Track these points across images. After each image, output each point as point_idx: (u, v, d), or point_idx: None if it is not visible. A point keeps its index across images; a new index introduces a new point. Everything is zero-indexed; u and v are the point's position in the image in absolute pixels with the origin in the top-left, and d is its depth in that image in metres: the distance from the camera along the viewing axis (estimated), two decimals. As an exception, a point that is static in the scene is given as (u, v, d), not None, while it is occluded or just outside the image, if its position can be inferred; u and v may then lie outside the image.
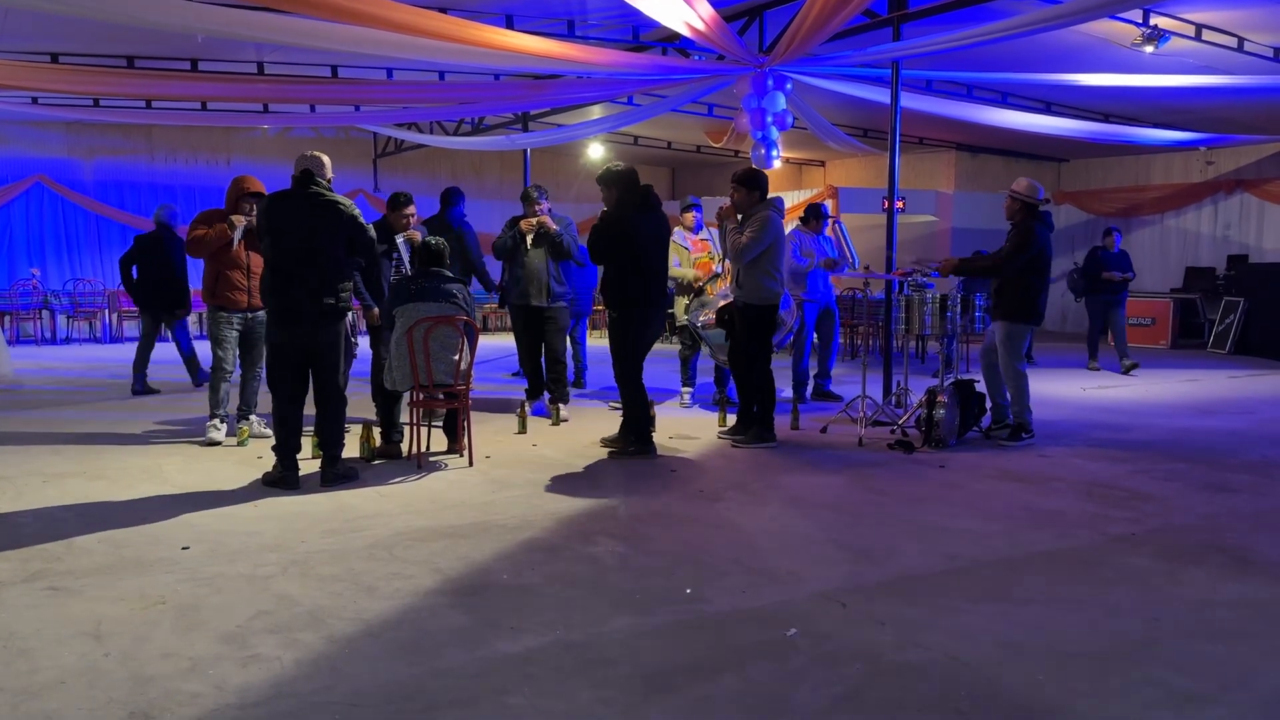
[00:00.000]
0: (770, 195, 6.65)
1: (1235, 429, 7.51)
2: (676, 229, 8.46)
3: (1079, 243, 17.87)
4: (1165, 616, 3.49)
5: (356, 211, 5.42)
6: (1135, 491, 5.40)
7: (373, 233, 5.55)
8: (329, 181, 5.46)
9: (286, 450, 5.35)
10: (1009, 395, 6.81)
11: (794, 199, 15.87)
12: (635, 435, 6.28)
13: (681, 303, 8.10)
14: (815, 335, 8.77)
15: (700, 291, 7.86)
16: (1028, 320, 6.69)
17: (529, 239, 7.53)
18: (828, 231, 8.85)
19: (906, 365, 7.67)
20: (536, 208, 7.56)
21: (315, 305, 5.26)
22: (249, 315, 6.50)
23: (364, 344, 7.27)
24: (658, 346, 6.75)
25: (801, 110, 10.80)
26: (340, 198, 5.40)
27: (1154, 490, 5.43)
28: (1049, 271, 6.75)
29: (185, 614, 3.42)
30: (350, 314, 5.68)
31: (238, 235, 6.38)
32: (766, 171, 8.95)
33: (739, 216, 6.54)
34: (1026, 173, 17.05)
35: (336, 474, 5.40)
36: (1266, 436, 7.19)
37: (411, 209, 7.07)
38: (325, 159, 5.48)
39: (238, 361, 6.62)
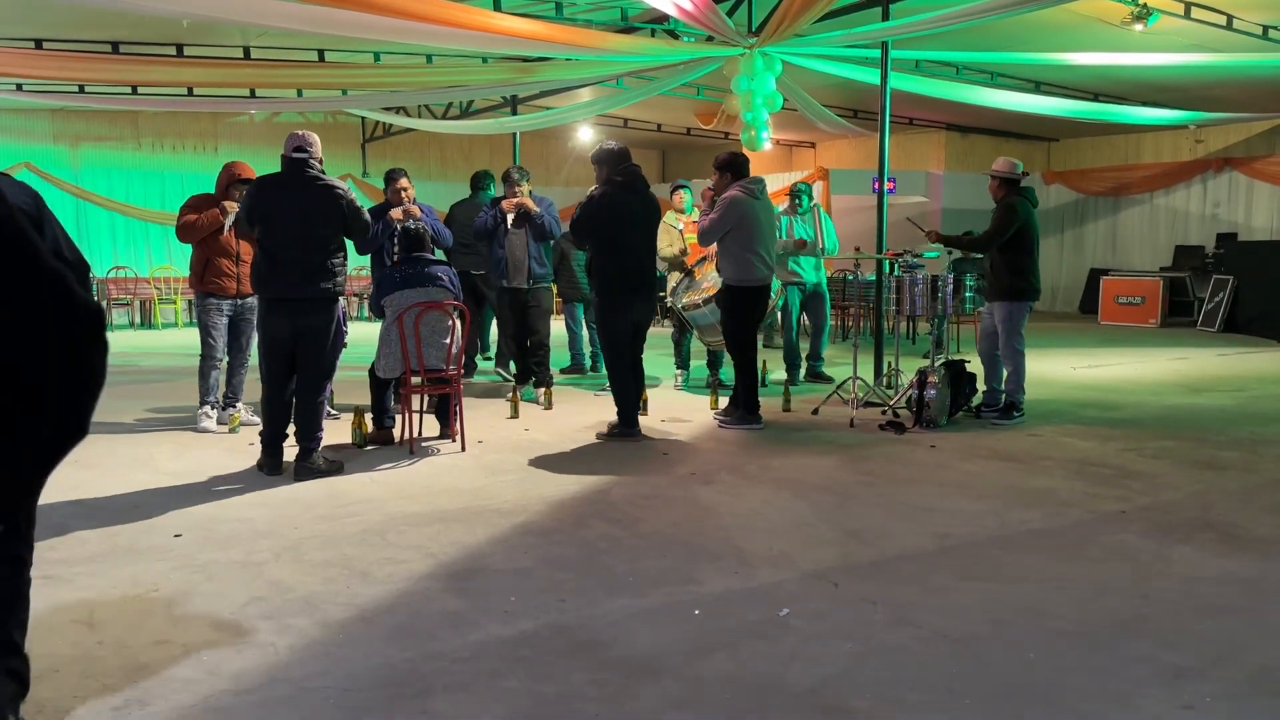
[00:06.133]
0: (751, 176, 6.64)
1: (1224, 406, 7.55)
2: (669, 211, 8.50)
3: (1069, 222, 17.93)
4: (1154, 593, 3.52)
5: (353, 195, 5.34)
6: (1124, 469, 5.43)
7: (368, 216, 5.47)
8: (321, 162, 5.35)
9: (273, 437, 5.32)
10: (1004, 373, 6.83)
11: (784, 180, 15.85)
12: (619, 418, 6.30)
13: (671, 284, 8.12)
14: (804, 317, 8.79)
15: (690, 274, 7.86)
16: (1024, 297, 6.71)
17: (510, 219, 7.52)
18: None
19: (897, 346, 7.68)
20: (516, 189, 7.54)
21: (310, 291, 5.17)
22: (238, 302, 6.45)
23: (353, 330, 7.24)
24: (649, 330, 6.74)
25: (790, 91, 10.77)
26: (336, 181, 5.31)
27: (1143, 468, 5.47)
28: (1037, 247, 6.77)
29: (178, 601, 3.42)
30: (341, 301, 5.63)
31: (229, 222, 6.29)
32: (758, 152, 8.93)
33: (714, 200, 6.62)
34: (1016, 152, 17.10)
35: (310, 468, 5.23)
36: (1255, 414, 7.23)
37: (404, 182, 7.03)
38: (316, 138, 5.35)
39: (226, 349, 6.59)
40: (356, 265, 16.10)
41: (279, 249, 5.17)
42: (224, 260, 6.36)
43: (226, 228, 6.32)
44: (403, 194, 7.01)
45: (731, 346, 6.67)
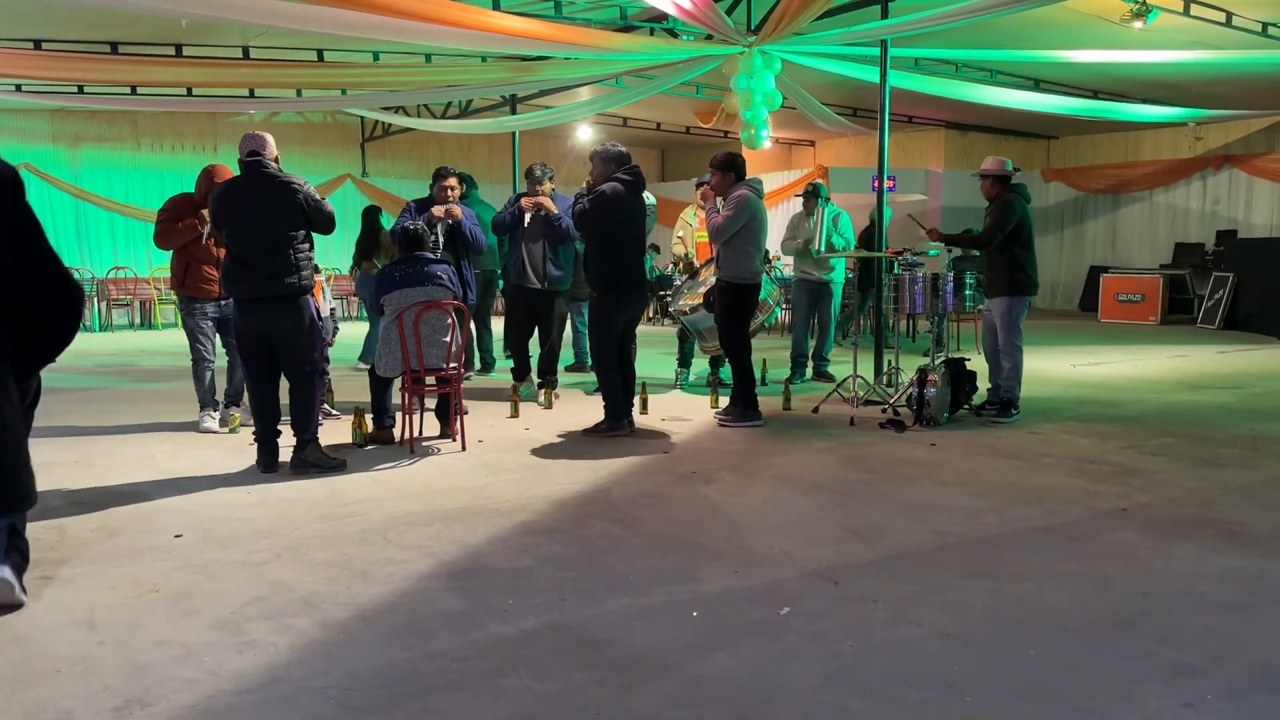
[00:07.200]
0: (749, 176, 6.66)
1: (1224, 403, 7.55)
2: (689, 207, 8.47)
3: (1068, 220, 17.93)
4: (1155, 590, 3.52)
5: (311, 189, 5.32)
6: (1125, 467, 5.42)
7: (330, 207, 5.40)
8: (277, 160, 5.34)
9: (265, 433, 5.34)
10: (1004, 369, 6.82)
11: (784, 179, 15.86)
12: (609, 412, 6.31)
13: (677, 283, 8.13)
14: (814, 314, 8.80)
15: (695, 274, 7.84)
16: (1023, 292, 6.72)
17: (528, 218, 7.44)
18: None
19: (898, 344, 7.68)
20: (538, 188, 7.44)
21: (276, 289, 5.18)
22: (222, 304, 6.40)
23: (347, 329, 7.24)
24: (647, 330, 6.74)
25: (790, 89, 10.77)
26: (292, 177, 5.27)
27: (1143, 465, 5.46)
28: (1033, 242, 6.77)
29: (179, 601, 3.42)
30: (331, 301, 5.62)
31: (206, 231, 6.23)
32: (757, 151, 8.92)
33: (718, 199, 6.60)
34: (1015, 149, 17.13)
35: (305, 460, 5.26)
36: (1255, 411, 7.23)
37: (450, 181, 6.98)
38: (269, 138, 5.35)
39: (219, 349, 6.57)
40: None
41: (243, 251, 5.20)
42: (206, 266, 6.32)
43: (205, 237, 6.26)
44: (448, 192, 7.00)
45: (726, 345, 6.66)
